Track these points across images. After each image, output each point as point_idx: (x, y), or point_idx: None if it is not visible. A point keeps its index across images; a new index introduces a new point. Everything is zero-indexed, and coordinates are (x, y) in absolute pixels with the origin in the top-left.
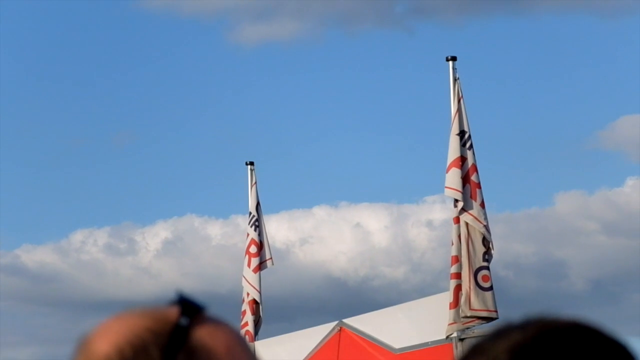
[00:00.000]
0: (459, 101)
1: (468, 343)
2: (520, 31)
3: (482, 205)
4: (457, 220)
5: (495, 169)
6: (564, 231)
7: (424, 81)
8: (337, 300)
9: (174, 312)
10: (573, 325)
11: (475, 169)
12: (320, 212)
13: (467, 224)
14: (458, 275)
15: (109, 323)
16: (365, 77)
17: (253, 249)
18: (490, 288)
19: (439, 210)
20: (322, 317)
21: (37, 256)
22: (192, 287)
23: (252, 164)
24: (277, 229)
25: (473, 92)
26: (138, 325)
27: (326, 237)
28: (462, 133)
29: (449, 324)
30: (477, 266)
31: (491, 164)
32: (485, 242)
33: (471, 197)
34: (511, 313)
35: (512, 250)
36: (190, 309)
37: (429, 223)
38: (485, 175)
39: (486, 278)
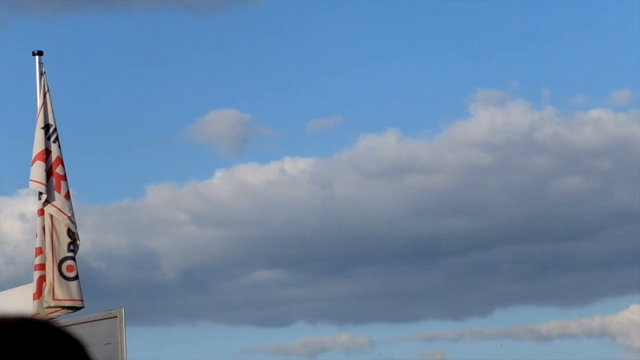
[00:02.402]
0: (44, 95)
1: None
2: (113, 27)
3: (67, 197)
4: (41, 212)
5: (87, 162)
6: (155, 222)
7: (14, 74)
8: None
9: None
10: (21, 321)
11: (61, 162)
12: None
13: (51, 215)
14: (42, 267)
15: None
16: None
17: None
18: (76, 278)
19: (32, 203)
20: None
21: None
22: None
23: None
24: None
25: (63, 86)
26: None
27: None
28: (47, 126)
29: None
30: (62, 257)
31: (83, 157)
32: (71, 233)
33: (55, 189)
34: (102, 303)
35: (105, 241)
36: None
37: (22, 216)
38: (76, 168)
39: (71, 268)
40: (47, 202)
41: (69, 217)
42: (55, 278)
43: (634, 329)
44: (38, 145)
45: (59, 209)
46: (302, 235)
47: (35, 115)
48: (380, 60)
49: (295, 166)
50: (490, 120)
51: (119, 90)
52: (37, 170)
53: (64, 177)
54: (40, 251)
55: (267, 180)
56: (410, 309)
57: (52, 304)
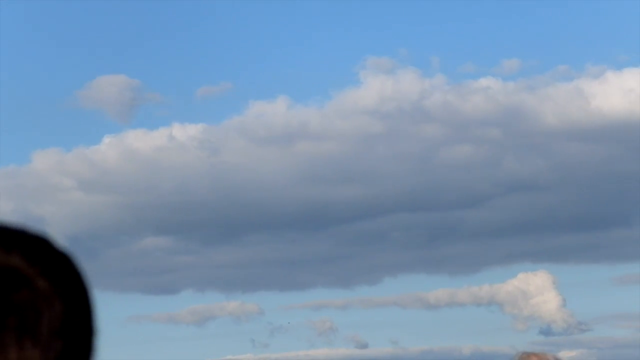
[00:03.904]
0: None
1: None
2: None
3: None
4: None
5: None
6: (41, 188)
7: None
8: None
9: None
10: None
11: None
12: None
13: None
14: None
15: None
16: None
17: None
18: None
19: None
20: None
21: None
22: None
23: None
24: None
25: None
26: None
27: None
28: None
29: None
30: None
31: None
32: None
33: None
34: None
35: None
36: None
37: None
38: None
39: None
40: None
41: None
42: None
43: (522, 298)
44: None
45: None
46: (190, 201)
47: None
48: (270, 26)
49: (184, 132)
50: (381, 88)
51: (6, 54)
52: None
53: None
54: None
55: (155, 147)
56: (300, 277)
57: None
